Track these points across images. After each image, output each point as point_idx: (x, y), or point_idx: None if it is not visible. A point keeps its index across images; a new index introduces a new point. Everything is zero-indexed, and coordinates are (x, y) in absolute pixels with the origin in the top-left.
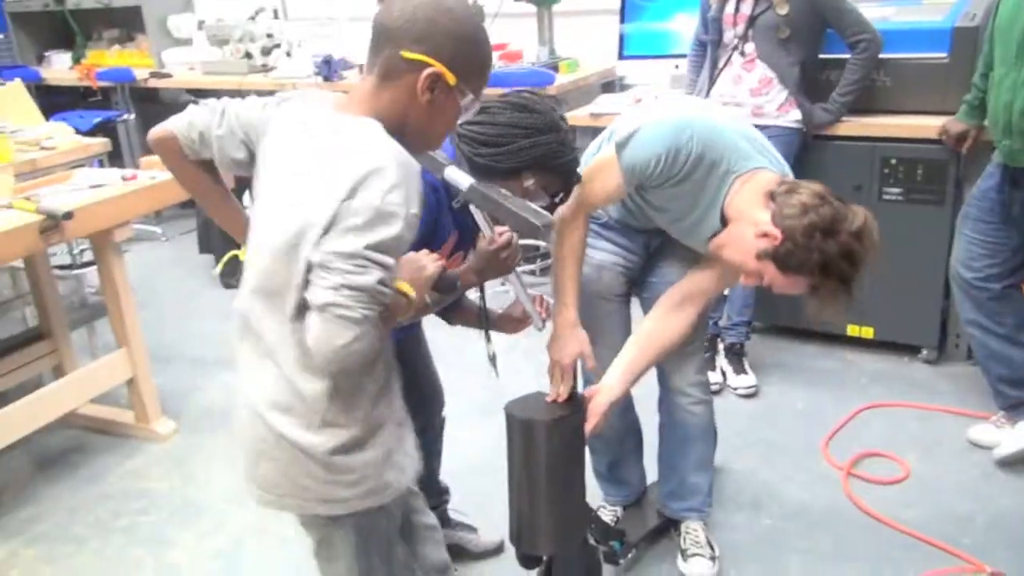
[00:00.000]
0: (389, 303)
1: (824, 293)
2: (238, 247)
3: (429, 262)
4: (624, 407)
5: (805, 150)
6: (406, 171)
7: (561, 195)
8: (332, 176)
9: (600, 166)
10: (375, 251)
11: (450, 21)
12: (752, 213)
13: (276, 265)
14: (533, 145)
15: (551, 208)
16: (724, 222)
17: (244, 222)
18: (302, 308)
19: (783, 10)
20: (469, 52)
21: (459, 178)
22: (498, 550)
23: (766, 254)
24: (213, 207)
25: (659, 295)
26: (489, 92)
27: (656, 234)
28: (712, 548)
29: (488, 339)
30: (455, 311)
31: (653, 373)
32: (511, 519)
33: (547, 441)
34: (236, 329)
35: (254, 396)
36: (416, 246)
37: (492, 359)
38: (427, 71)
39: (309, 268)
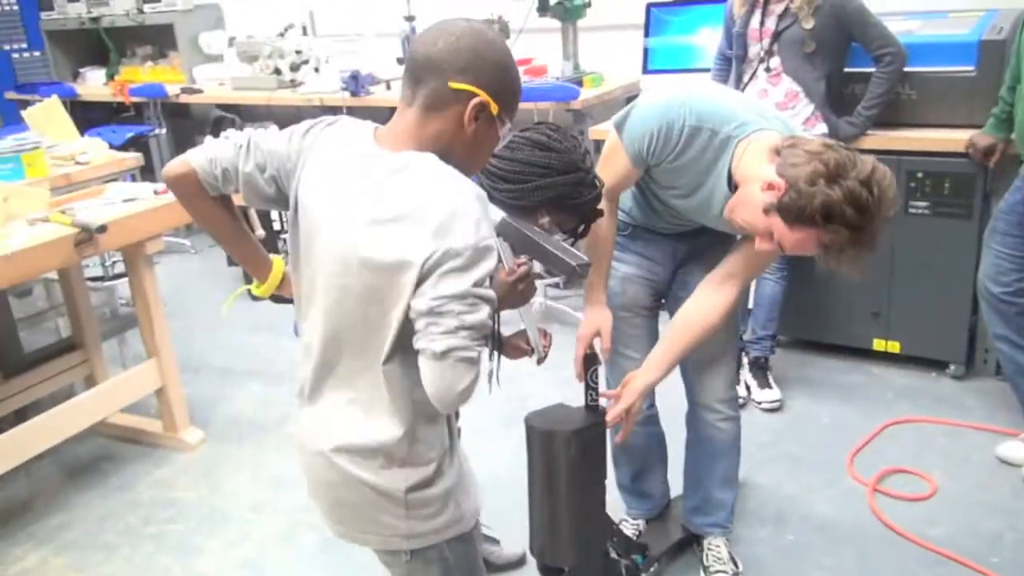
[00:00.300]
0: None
1: (833, 246)
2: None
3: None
4: (648, 419)
5: None
6: (483, 202)
7: (582, 229)
8: (418, 216)
9: (608, 152)
10: (480, 287)
11: (491, 51)
12: (759, 171)
13: (361, 309)
14: (550, 185)
15: (572, 243)
16: (733, 189)
17: (261, 258)
18: (394, 352)
19: (808, 24)
20: (508, 79)
21: (492, 211)
22: (520, 562)
23: (772, 207)
24: (230, 242)
25: None
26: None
27: (682, 242)
28: (736, 564)
29: (491, 358)
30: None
31: (681, 389)
32: (531, 531)
33: (566, 452)
34: (312, 369)
35: (325, 440)
36: None
37: (490, 375)
38: (474, 101)
39: (407, 314)
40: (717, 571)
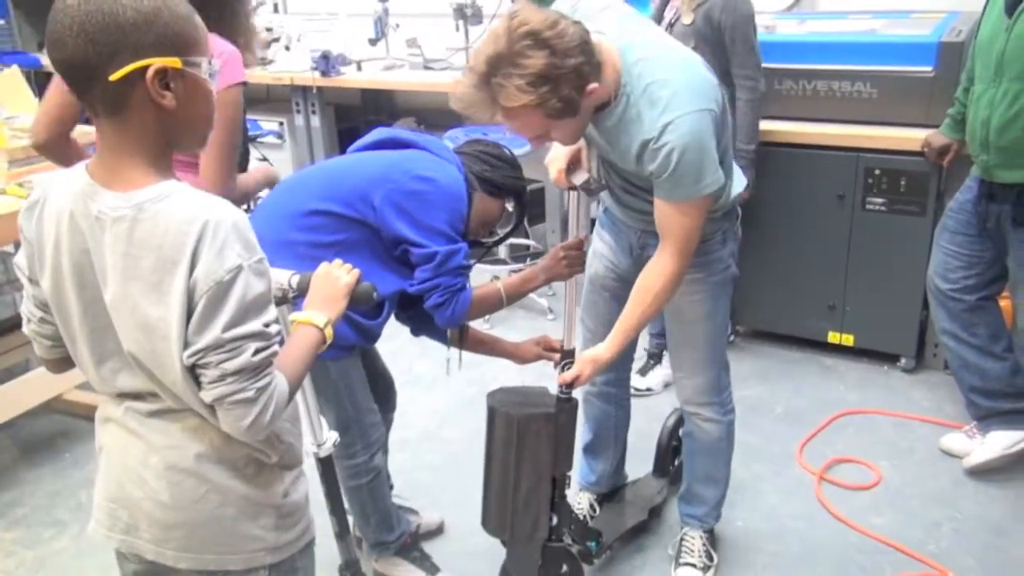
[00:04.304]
0: (307, 346)
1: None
2: None
3: (343, 273)
4: (602, 395)
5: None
6: (221, 217)
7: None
8: (158, 266)
9: None
10: (237, 326)
11: (123, 10)
12: None
13: (153, 371)
14: (522, 180)
15: (498, 242)
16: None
17: None
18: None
19: (688, 20)
20: (162, 22)
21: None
22: (439, 530)
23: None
24: None
25: None
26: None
27: (641, 238)
28: (711, 558)
29: (449, 347)
30: (467, 337)
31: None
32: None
33: (504, 431)
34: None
35: (177, 453)
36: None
37: (448, 362)
38: (148, 75)
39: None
40: (685, 563)
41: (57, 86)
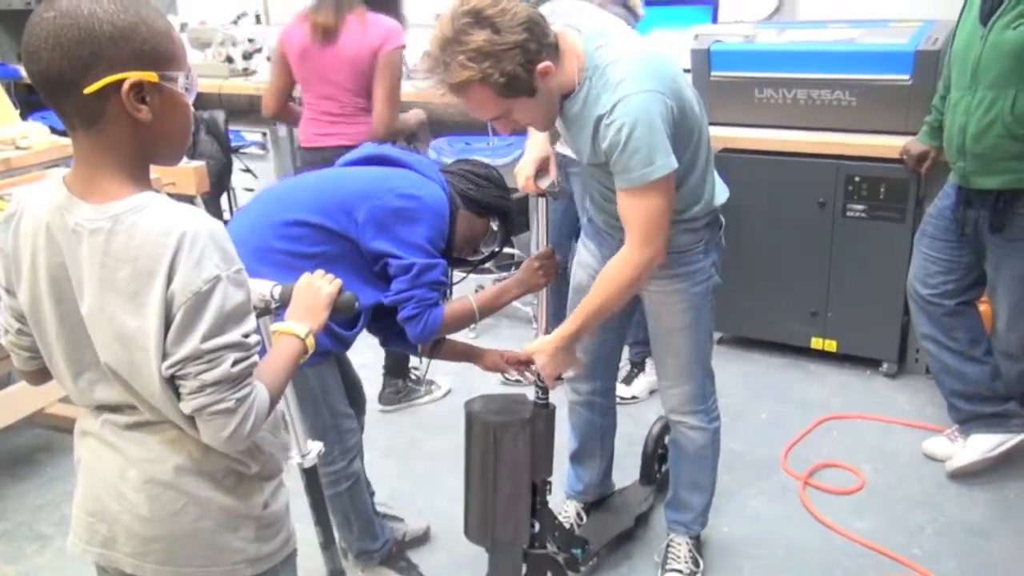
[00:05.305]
0: (289, 356)
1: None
2: None
3: (325, 283)
4: (587, 404)
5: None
6: (198, 228)
7: (494, 251)
8: (134, 277)
9: None
10: (215, 337)
11: (99, 24)
12: None
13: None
14: (508, 200)
15: (483, 260)
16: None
17: None
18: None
19: None
20: (139, 37)
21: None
22: (425, 537)
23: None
24: None
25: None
26: None
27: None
28: (696, 565)
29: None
30: (442, 347)
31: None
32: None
33: (481, 438)
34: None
35: (155, 466)
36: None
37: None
38: (124, 88)
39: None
40: (671, 569)
41: (275, 65)
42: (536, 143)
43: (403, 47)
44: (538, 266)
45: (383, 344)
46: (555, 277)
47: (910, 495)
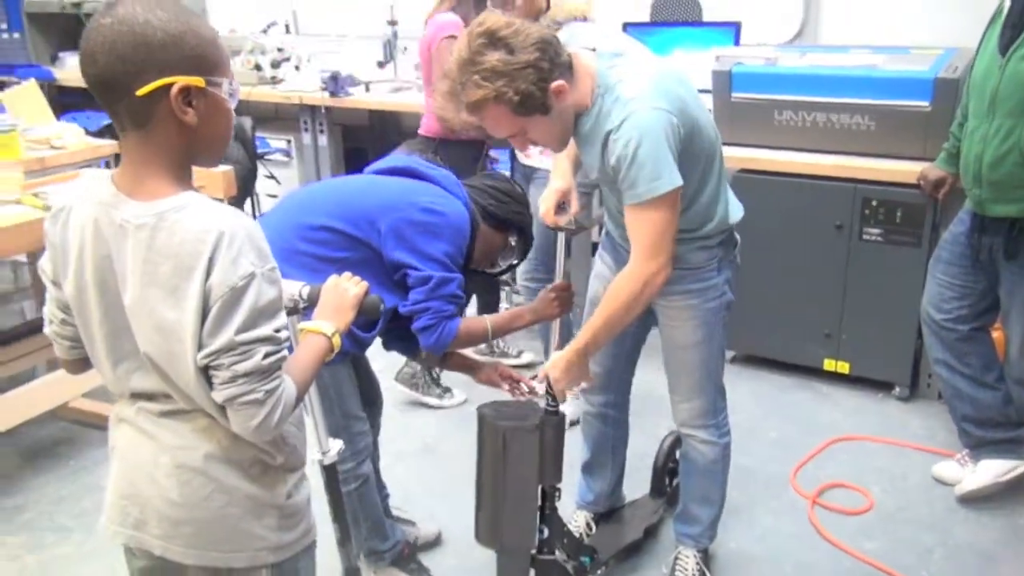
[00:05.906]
0: (316, 353)
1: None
2: None
3: (352, 285)
4: (600, 416)
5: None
6: (236, 227)
7: (512, 264)
8: (175, 272)
9: None
10: (249, 330)
11: (153, 32)
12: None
13: (168, 372)
14: (527, 215)
15: (500, 273)
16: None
17: None
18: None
19: None
20: (188, 45)
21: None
22: (437, 541)
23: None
24: None
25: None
26: None
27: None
28: None
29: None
30: (452, 357)
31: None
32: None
33: (491, 442)
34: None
35: (187, 452)
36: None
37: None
38: (173, 92)
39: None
40: None
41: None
42: (560, 173)
43: (451, 37)
44: (554, 297)
45: (385, 346)
46: (569, 308)
47: (919, 518)
